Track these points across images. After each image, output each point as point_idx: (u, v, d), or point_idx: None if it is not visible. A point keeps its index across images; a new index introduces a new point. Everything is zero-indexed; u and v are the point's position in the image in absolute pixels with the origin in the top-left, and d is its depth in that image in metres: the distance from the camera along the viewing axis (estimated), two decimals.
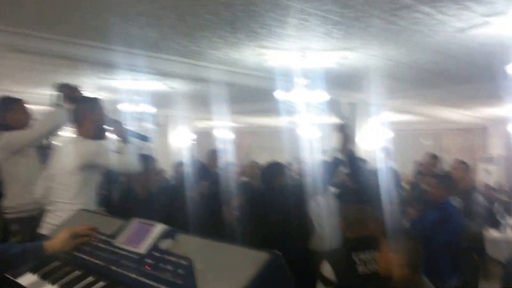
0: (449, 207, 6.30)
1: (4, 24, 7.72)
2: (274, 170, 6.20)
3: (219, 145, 21.22)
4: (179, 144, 19.79)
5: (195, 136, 22.02)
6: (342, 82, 12.45)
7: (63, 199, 4.45)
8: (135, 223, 2.88)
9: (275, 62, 10.09)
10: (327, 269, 4.12)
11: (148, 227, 2.76)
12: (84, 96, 5.12)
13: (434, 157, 9.33)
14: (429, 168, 9.09)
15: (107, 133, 4.89)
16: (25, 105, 5.84)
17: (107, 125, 4.86)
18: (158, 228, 2.71)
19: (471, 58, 9.29)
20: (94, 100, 4.89)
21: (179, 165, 10.07)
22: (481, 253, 7.20)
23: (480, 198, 7.49)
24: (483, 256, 7.39)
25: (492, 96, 12.61)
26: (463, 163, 7.96)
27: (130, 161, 4.69)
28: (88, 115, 4.68)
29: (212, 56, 9.74)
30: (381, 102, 13.93)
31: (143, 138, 5.01)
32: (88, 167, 4.49)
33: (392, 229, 4.18)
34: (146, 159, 6.08)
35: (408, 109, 16.32)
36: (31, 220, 4.92)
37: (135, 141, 4.96)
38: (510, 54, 8.13)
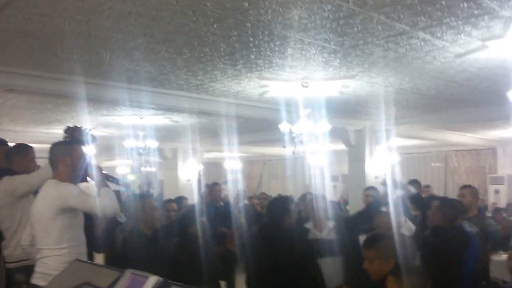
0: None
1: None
2: (280, 207, 6.02)
3: (229, 176, 21.33)
4: (188, 176, 19.75)
5: (202, 168, 22.05)
6: (346, 110, 12.41)
7: (46, 246, 4.36)
8: (128, 275, 2.79)
9: (277, 93, 10.03)
10: None
11: (142, 279, 2.68)
12: (60, 141, 4.98)
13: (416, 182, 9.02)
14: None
15: (86, 177, 4.78)
16: (33, 152, 5.81)
17: (85, 170, 4.74)
18: (152, 281, 2.62)
19: (472, 82, 9.20)
20: (70, 144, 4.80)
21: (183, 200, 9.78)
22: (487, 277, 7.04)
23: (491, 222, 7.31)
24: (489, 280, 7.23)
25: (498, 118, 12.54)
26: (470, 187, 7.76)
27: (110, 204, 4.53)
28: (63, 159, 4.58)
29: (213, 88, 9.72)
30: (387, 128, 13.90)
31: (124, 185, 4.88)
32: (64, 210, 4.38)
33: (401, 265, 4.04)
34: (144, 197, 6.01)
35: (414, 134, 16.24)
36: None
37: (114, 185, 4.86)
38: (509, 77, 8.04)
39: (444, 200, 6.76)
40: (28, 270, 4.88)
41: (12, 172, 5.44)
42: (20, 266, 5.23)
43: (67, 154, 4.59)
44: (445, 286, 4.99)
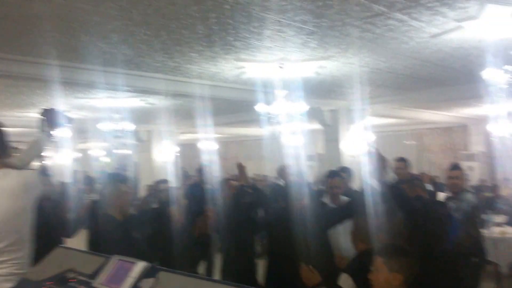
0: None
1: None
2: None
3: (204, 157, 21.25)
4: (163, 158, 19.67)
5: (178, 149, 21.93)
6: (322, 90, 12.45)
7: (23, 242, 3.74)
8: (115, 261, 2.73)
9: (254, 74, 10.03)
10: (347, 282, 4.02)
11: (129, 265, 2.61)
12: None
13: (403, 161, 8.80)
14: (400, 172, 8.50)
15: None
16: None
17: None
18: (139, 266, 2.57)
19: (447, 62, 9.30)
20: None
21: (162, 182, 9.56)
22: (481, 255, 7.03)
23: (474, 200, 7.29)
24: (483, 257, 7.22)
25: (470, 96, 12.65)
26: (458, 166, 7.66)
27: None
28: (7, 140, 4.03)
29: (190, 70, 9.70)
30: (362, 107, 13.95)
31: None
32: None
33: (387, 245, 4.04)
34: (116, 182, 5.91)
35: (389, 113, 16.33)
36: None
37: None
38: (483, 57, 8.11)
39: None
40: None
41: None
42: None
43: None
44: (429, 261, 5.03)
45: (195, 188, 8.70)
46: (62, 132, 4.95)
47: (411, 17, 6.56)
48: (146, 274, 2.52)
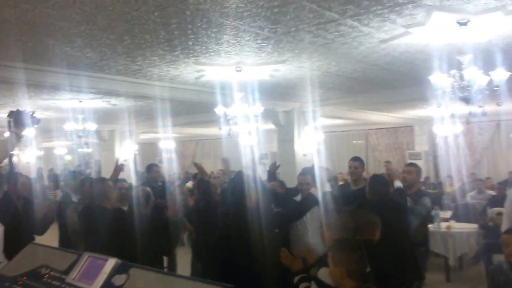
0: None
1: None
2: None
3: (163, 155, 21.22)
4: (125, 156, 19.59)
5: (138, 148, 21.89)
6: (276, 93, 12.49)
7: None
8: (87, 258, 2.71)
9: (212, 77, 10.04)
10: (324, 274, 4.02)
11: (101, 261, 2.61)
12: None
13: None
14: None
15: None
16: None
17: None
18: (111, 263, 2.56)
19: (394, 65, 9.41)
20: None
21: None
22: (425, 247, 7.21)
23: (426, 199, 7.35)
24: (427, 250, 7.40)
25: (416, 99, 12.84)
26: (414, 165, 7.72)
27: None
28: None
29: (151, 73, 9.68)
30: (314, 109, 14.07)
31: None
32: None
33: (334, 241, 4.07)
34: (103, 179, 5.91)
35: (338, 114, 16.46)
36: None
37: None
38: (429, 61, 8.23)
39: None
40: None
41: None
42: None
43: None
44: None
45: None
46: (28, 132, 4.91)
47: (362, 23, 6.63)
48: (118, 270, 2.51)
